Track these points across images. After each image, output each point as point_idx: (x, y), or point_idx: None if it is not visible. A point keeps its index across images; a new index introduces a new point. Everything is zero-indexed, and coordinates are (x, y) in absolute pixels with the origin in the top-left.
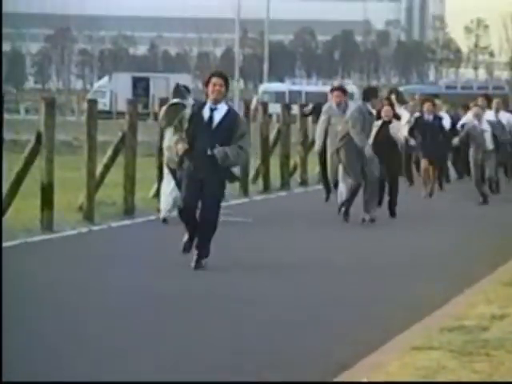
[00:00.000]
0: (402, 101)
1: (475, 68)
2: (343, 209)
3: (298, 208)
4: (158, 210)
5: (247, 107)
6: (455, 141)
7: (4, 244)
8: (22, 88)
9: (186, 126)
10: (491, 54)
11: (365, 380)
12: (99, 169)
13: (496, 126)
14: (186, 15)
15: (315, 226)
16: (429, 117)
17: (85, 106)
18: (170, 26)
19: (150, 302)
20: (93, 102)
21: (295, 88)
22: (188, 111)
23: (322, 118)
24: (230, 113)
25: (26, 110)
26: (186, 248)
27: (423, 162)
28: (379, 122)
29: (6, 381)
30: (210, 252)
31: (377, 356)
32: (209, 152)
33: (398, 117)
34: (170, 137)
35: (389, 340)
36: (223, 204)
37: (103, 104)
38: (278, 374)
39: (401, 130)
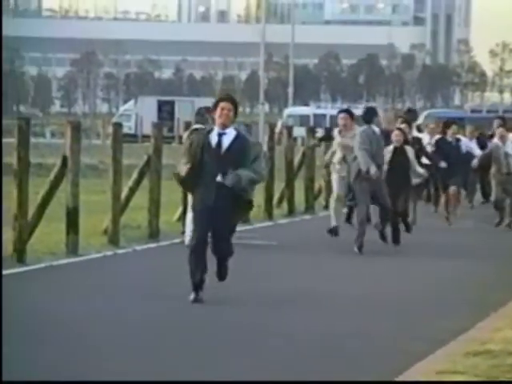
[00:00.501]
0: (414, 120)
1: (501, 92)
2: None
3: (323, 232)
4: (183, 233)
5: (272, 131)
6: (474, 163)
7: (30, 267)
8: (48, 112)
9: (197, 152)
10: None
11: None
12: (124, 192)
13: None
14: (211, 39)
15: (339, 251)
16: (452, 140)
17: (110, 129)
18: (195, 49)
19: (172, 327)
20: (118, 126)
21: (320, 112)
22: (195, 137)
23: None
24: (239, 137)
25: (52, 134)
26: (196, 296)
27: (452, 189)
28: (390, 148)
29: (6, 380)
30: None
31: (400, 381)
32: (219, 179)
33: (408, 141)
34: None
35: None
36: (248, 227)
37: (128, 127)
38: None
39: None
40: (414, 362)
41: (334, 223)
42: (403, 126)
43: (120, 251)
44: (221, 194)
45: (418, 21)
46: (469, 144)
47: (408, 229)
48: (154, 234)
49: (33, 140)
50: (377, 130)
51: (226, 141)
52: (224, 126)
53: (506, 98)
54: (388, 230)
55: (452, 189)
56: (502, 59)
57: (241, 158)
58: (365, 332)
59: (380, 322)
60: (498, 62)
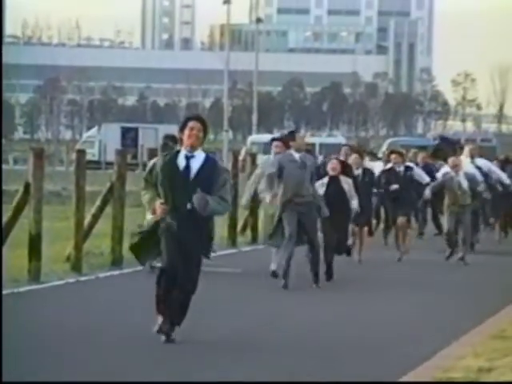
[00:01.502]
0: (373, 155)
1: (463, 120)
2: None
3: None
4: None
5: (236, 158)
6: (427, 193)
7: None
8: (11, 138)
9: (159, 178)
10: (478, 107)
11: None
12: (87, 219)
13: (472, 178)
14: (175, 66)
15: (302, 280)
16: (399, 168)
17: (74, 156)
18: (159, 76)
19: (136, 354)
20: (82, 153)
21: None
22: (159, 161)
23: (257, 171)
24: (209, 160)
25: (15, 161)
26: (167, 333)
27: (400, 220)
28: (325, 180)
29: (5, 381)
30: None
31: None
32: (188, 206)
33: (347, 172)
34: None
35: None
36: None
37: (92, 154)
38: None
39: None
40: None
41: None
42: (354, 156)
43: (83, 278)
44: (191, 221)
45: (381, 49)
46: (420, 172)
47: (348, 253)
48: (117, 261)
49: None
50: (296, 155)
51: (195, 164)
52: (193, 148)
53: (468, 126)
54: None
55: (400, 219)
56: (464, 88)
57: (209, 183)
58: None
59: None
60: (460, 92)
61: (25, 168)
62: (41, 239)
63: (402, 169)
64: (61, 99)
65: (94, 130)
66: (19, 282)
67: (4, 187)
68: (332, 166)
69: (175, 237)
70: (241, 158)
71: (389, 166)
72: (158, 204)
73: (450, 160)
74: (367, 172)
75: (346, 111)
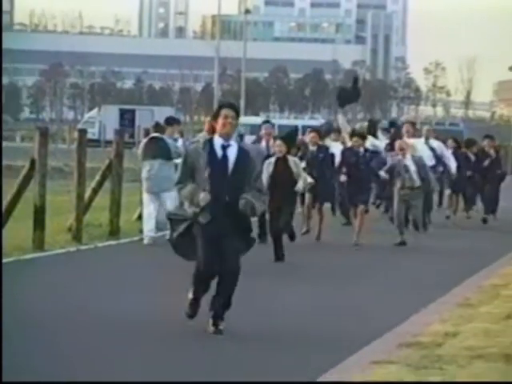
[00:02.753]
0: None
1: (433, 106)
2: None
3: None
4: (141, 232)
5: None
6: (382, 174)
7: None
8: (18, 118)
9: (197, 167)
10: (448, 94)
11: None
12: (87, 193)
13: (419, 162)
14: (169, 53)
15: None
16: (359, 150)
17: (75, 135)
18: (155, 62)
19: (128, 320)
20: (83, 132)
21: None
22: (192, 152)
23: None
24: (242, 150)
25: (22, 138)
26: (192, 312)
27: (361, 208)
28: (272, 160)
29: (5, 381)
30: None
31: (338, 371)
32: (227, 199)
33: (290, 151)
34: (147, 168)
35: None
36: None
37: (92, 133)
38: None
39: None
40: (351, 353)
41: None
42: (311, 134)
43: (83, 247)
44: (229, 215)
45: (360, 40)
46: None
47: (292, 238)
48: (114, 232)
49: (4, 144)
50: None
51: (232, 154)
52: (228, 137)
53: (438, 111)
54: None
55: (361, 208)
56: (435, 76)
57: (245, 174)
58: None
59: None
60: (431, 79)
61: (30, 145)
62: (45, 211)
63: (361, 150)
64: (64, 82)
65: (94, 111)
66: (25, 250)
67: (11, 163)
68: (278, 149)
69: (213, 232)
70: None
71: (349, 145)
72: (202, 195)
73: (397, 143)
74: (322, 148)
75: (327, 96)
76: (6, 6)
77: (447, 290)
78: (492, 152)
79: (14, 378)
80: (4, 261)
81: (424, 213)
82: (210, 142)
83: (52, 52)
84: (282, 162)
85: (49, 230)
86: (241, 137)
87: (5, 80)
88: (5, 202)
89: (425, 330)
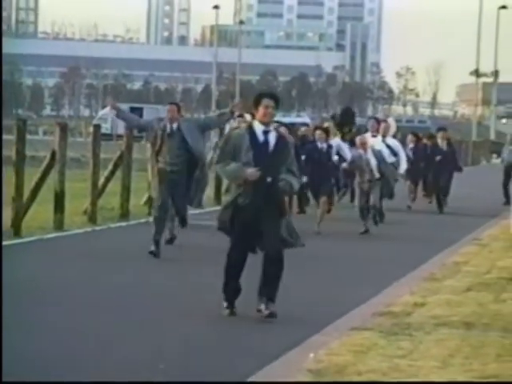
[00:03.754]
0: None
1: (404, 105)
2: None
3: None
4: (149, 215)
5: (221, 132)
6: (344, 165)
7: (24, 240)
8: (41, 114)
9: (238, 151)
10: (417, 95)
11: (311, 355)
12: (101, 180)
13: (378, 156)
14: (173, 58)
15: None
16: (322, 145)
17: (91, 130)
18: (161, 66)
19: (139, 293)
20: (97, 127)
21: None
22: (235, 135)
23: None
24: (280, 135)
25: (44, 132)
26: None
27: (323, 200)
28: None
29: (5, 381)
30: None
31: (320, 336)
32: (268, 180)
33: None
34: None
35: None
36: (201, 211)
37: (105, 128)
38: None
39: None
40: (331, 321)
41: None
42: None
43: (97, 228)
44: (269, 196)
45: (340, 47)
46: (346, 150)
47: None
48: (124, 214)
49: (28, 137)
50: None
51: (272, 139)
52: (268, 125)
53: (408, 110)
54: None
55: (323, 200)
56: (405, 79)
57: (283, 157)
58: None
59: None
60: (402, 82)
61: (51, 139)
62: (64, 196)
63: (324, 145)
64: (81, 83)
65: (107, 109)
66: (46, 230)
67: (35, 154)
68: None
69: (249, 216)
70: (225, 132)
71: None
72: (251, 170)
73: (358, 138)
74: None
75: (311, 97)
76: (31, 17)
77: (415, 267)
78: (444, 144)
79: (14, 378)
80: (29, 239)
81: (381, 203)
82: (251, 128)
83: (71, 57)
84: None
85: (67, 213)
86: None
87: (29, 81)
88: (29, 189)
89: (396, 300)
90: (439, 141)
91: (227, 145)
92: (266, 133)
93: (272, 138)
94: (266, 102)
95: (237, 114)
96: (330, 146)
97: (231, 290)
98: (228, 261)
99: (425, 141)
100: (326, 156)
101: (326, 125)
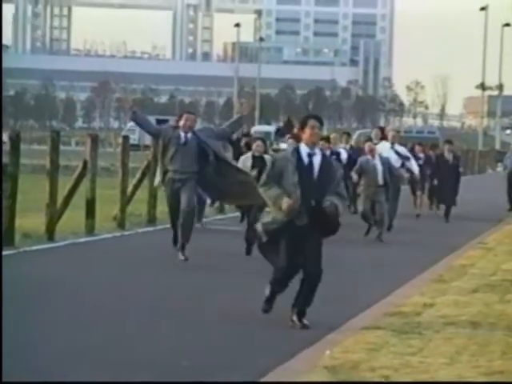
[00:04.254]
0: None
1: (414, 117)
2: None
3: None
4: None
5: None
6: (354, 177)
7: (58, 244)
8: (73, 126)
9: (285, 175)
10: (426, 107)
11: (327, 352)
12: (130, 188)
13: (385, 162)
14: (197, 73)
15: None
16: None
17: (120, 140)
18: (185, 81)
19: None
20: (126, 138)
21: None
22: (281, 160)
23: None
24: (325, 157)
25: (76, 143)
26: (268, 307)
27: None
28: (249, 155)
29: (5, 381)
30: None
31: (335, 335)
32: (312, 203)
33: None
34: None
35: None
36: (222, 216)
37: (133, 139)
38: None
39: None
40: (345, 321)
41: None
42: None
43: (126, 233)
44: (313, 219)
45: (354, 63)
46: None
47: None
48: (151, 220)
49: (61, 147)
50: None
51: (316, 162)
52: (314, 145)
53: (418, 122)
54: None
55: None
56: (415, 93)
57: (328, 180)
58: None
59: None
60: (412, 95)
61: (83, 149)
62: (95, 203)
63: (328, 153)
64: (111, 97)
65: (132, 123)
66: (78, 235)
67: (67, 163)
68: (257, 148)
69: (297, 238)
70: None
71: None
72: (287, 200)
73: (366, 145)
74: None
75: (326, 109)
76: (64, 35)
77: (424, 270)
78: (450, 156)
79: (13, 378)
80: (61, 243)
81: (390, 211)
82: (297, 151)
83: (101, 72)
84: (259, 160)
85: (98, 219)
86: None
87: (63, 95)
88: (62, 196)
89: (406, 301)
90: (445, 153)
91: (273, 168)
92: (310, 155)
93: (317, 160)
94: (311, 122)
95: (287, 136)
96: (333, 153)
97: (274, 298)
98: (277, 274)
99: (430, 152)
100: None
101: (332, 135)
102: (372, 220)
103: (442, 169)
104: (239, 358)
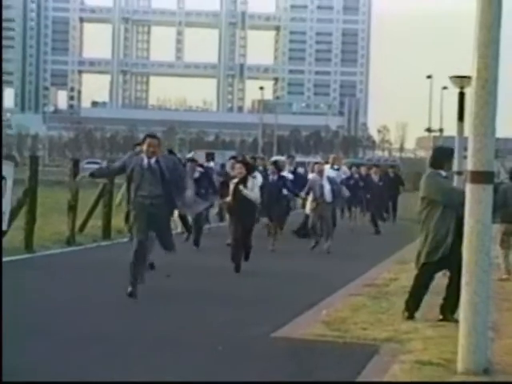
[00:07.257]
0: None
1: (382, 150)
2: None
3: None
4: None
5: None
6: (302, 194)
7: (76, 248)
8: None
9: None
10: (390, 143)
11: (324, 312)
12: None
13: (333, 181)
14: (234, 121)
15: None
16: (273, 177)
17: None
18: (226, 126)
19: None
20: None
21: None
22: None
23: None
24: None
25: None
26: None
27: (274, 224)
28: (234, 180)
29: (6, 381)
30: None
31: (330, 299)
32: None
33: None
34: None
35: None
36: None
37: None
38: None
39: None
40: (336, 290)
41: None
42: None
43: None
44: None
45: (341, 113)
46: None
47: (247, 258)
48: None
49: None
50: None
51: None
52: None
53: (385, 154)
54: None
55: (274, 224)
56: (383, 134)
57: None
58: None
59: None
60: (381, 135)
61: None
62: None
63: (275, 177)
64: (175, 138)
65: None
66: (96, 238)
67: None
68: (238, 171)
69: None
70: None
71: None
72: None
73: (316, 166)
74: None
75: (322, 145)
76: (144, 95)
77: (390, 256)
78: (377, 177)
79: (13, 378)
80: (81, 247)
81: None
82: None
83: (169, 120)
84: (241, 182)
85: (113, 225)
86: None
87: (141, 136)
88: (89, 207)
89: (378, 276)
90: (372, 175)
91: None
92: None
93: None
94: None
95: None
96: (280, 178)
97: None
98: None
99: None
100: (276, 186)
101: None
102: (318, 233)
103: (370, 186)
104: (260, 314)
